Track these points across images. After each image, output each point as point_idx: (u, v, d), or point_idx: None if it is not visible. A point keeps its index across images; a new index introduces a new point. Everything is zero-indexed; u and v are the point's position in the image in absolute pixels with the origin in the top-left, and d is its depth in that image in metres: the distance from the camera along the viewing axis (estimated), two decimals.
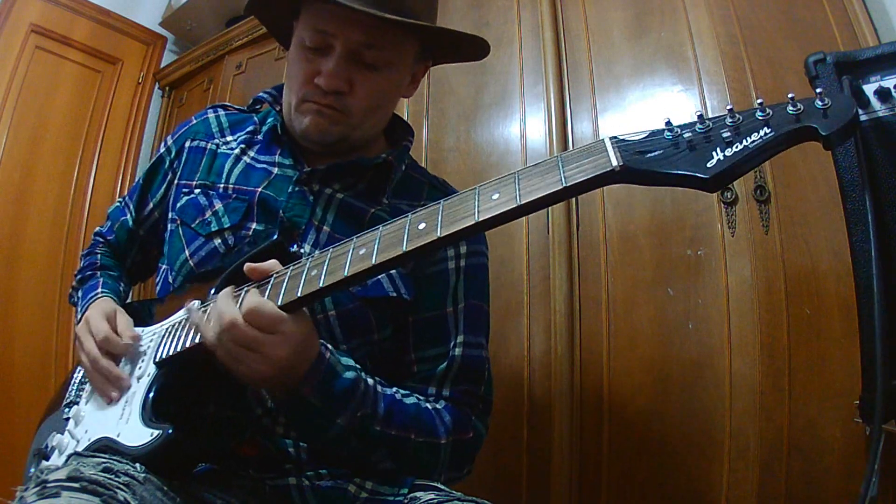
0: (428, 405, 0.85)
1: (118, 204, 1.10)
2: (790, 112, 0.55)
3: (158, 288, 0.97)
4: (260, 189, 0.91)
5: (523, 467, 1.45)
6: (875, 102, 0.98)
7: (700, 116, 0.57)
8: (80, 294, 1.00)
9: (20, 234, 2.30)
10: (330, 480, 0.81)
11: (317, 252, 0.78)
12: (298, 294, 0.68)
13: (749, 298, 1.27)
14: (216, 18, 2.66)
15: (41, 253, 2.32)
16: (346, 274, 0.65)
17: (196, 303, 0.79)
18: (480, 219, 0.60)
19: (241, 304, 0.70)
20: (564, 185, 0.57)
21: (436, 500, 0.78)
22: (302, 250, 0.86)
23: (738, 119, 0.56)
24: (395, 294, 0.88)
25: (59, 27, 2.47)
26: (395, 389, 0.84)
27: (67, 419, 0.88)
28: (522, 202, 0.59)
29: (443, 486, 0.83)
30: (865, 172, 0.89)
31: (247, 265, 0.76)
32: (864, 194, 0.89)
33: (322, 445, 0.78)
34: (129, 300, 1.05)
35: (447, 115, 1.79)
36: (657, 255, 1.39)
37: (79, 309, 0.97)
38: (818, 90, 0.55)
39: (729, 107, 0.57)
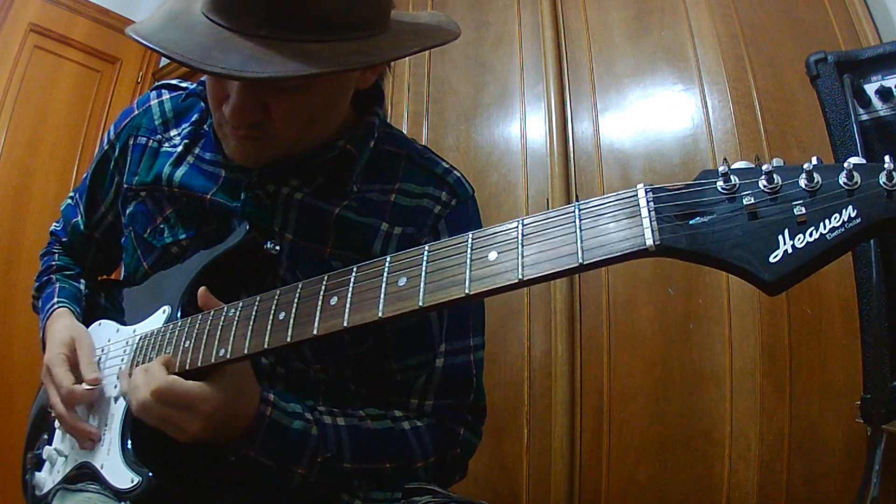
0: (405, 425, 0.79)
1: (69, 202, 1.03)
2: (883, 185, 0.40)
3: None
4: (209, 196, 0.81)
5: (523, 467, 1.45)
6: (876, 102, 0.98)
7: (770, 172, 0.43)
8: (39, 304, 0.95)
9: (19, 234, 2.30)
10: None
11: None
12: (245, 351, 0.62)
13: (750, 298, 1.26)
14: None
15: (40, 253, 2.31)
16: (315, 332, 0.57)
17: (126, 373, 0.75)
18: (472, 292, 0.49)
19: (153, 379, 0.65)
20: (581, 262, 0.45)
21: (433, 503, 0.76)
22: (278, 248, 0.79)
23: (817, 184, 0.42)
24: None
25: (58, 26, 2.47)
26: (363, 414, 0.78)
27: (55, 427, 0.87)
28: (525, 278, 0.47)
29: (438, 489, 0.79)
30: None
31: (201, 291, 0.71)
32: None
33: (290, 494, 0.74)
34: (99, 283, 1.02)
35: (447, 115, 1.79)
36: None
37: (40, 322, 0.92)
38: None
39: (808, 166, 0.43)
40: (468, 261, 0.50)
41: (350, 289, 0.57)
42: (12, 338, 2.21)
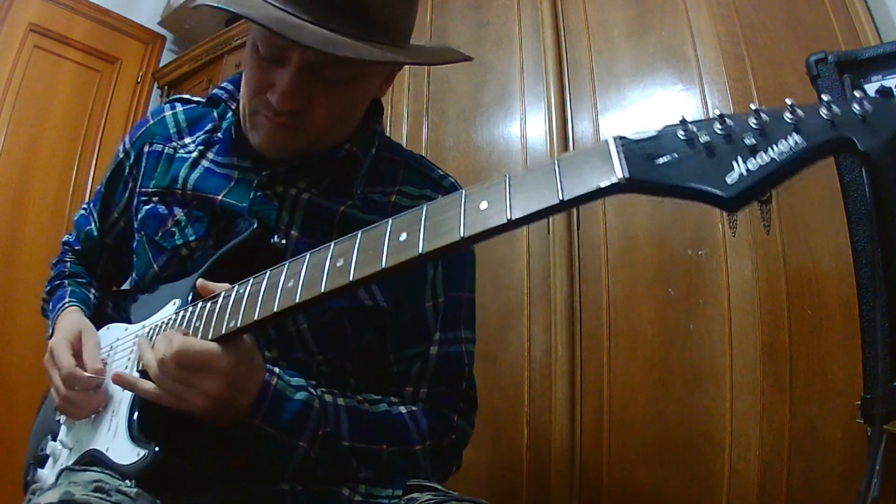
0: (401, 409, 0.83)
1: (83, 212, 1.06)
2: (824, 116, 0.47)
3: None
4: (220, 197, 0.85)
5: (523, 467, 1.45)
6: None
7: (721, 116, 0.49)
8: (49, 306, 0.97)
9: (18, 235, 2.30)
10: (323, 485, 0.80)
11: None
12: (255, 317, 0.65)
13: (750, 298, 1.26)
14: (215, 17, 2.66)
15: (39, 253, 2.31)
16: (322, 290, 0.61)
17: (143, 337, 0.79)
18: (466, 234, 0.54)
19: (171, 342, 0.69)
20: (562, 199, 0.51)
21: (433, 501, 0.76)
22: (283, 241, 0.82)
23: (765, 121, 0.48)
24: (370, 303, 0.83)
25: (57, 26, 2.47)
26: (361, 398, 0.81)
27: (59, 423, 0.88)
28: (513, 217, 0.52)
29: (439, 486, 0.81)
30: (866, 172, 0.89)
31: (199, 281, 0.74)
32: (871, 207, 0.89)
33: (293, 471, 0.76)
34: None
35: (447, 115, 1.79)
36: (658, 255, 1.39)
37: (50, 320, 0.94)
38: (856, 93, 0.47)
39: (755, 106, 0.49)
40: (462, 211, 0.56)
41: (356, 249, 0.61)
42: (12, 338, 2.21)
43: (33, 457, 0.90)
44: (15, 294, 2.24)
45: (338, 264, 0.61)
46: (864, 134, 0.45)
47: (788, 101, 0.48)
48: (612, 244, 1.45)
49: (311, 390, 0.77)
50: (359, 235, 0.62)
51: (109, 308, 0.96)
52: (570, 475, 1.39)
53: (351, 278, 0.59)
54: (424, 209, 0.59)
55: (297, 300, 0.62)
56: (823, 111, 0.47)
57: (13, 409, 2.09)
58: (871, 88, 0.98)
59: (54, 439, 0.87)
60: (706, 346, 1.30)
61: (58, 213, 2.42)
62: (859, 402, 0.96)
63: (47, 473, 0.84)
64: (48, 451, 0.85)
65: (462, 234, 0.54)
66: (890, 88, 0.97)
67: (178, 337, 0.69)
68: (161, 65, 2.85)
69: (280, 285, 0.65)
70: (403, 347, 0.86)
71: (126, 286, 1.02)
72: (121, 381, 0.74)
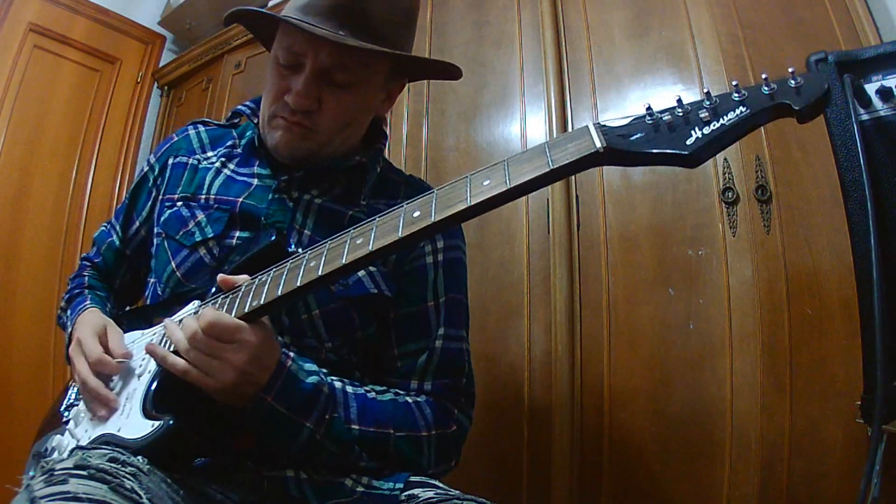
0: (408, 399, 0.88)
1: (104, 228, 1.11)
2: (764, 92, 0.59)
3: (148, 302, 0.98)
4: (241, 199, 0.93)
5: (523, 467, 1.45)
6: (877, 102, 0.97)
7: (679, 100, 0.60)
8: (68, 314, 1.00)
9: (18, 235, 2.30)
10: (327, 473, 0.82)
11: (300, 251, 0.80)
12: (279, 292, 0.71)
13: (750, 298, 1.26)
14: (215, 17, 2.66)
15: (39, 254, 2.31)
16: (343, 262, 0.67)
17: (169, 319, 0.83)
18: (473, 202, 0.62)
19: (202, 315, 0.73)
20: (551, 167, 0.60)
21: (435, 499, 0.78)
22: (299, 250, 0.87)
23: (715, 101, 0.59)
24: (376, 291, 0.90)
25: (57, 26, 2.46)
26: (368, 388, 0.86)
27: (67, 421, 0.88)
28: (512, 185, 0.61)
29: (441, 484, 0.83)
30: (866, 172, 0.89)
31: (219, 276, 0.80)
32: (865, 193, 0.89)
33: (298, 453, 0.79)
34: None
35: (447, 115, 1.79)
36: (658, 255, 1.39)
37: (68, 325, 0.98)
38: (791, 69, 0.60)
39: (706, 90, 0.60)
40: (468, 188, 0.64)
41: (373, 230, 0.68)
42: (11, 339, 2.21)
43: (35, 454, 0.90)
44: (14, 295, 2.24)
45: (357, 241, 0.69)
46: (797, 99, 0.58)
47: (734, 83, 0.60)
48: (612, 244, 1.45)
49: (322, 377, 0.81)
50: (375, 220, 0.69)
51: (124, 325, 0.98)
52: (570, 475, 1.39)
53: (370, 248, 0.66)
54: (434, 193, 0.66)
55: (320, 273, 0.68)
56: (764, 88, 0.60)
57: (13, 411, 2.09)
58: (872, 88, 0.98)
59: (61, 434, 0.87)
60: (706, 345, 1.30)
61: (58, 214, 2.41)
62: (859, 402, 0.96)
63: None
64: (53, 444, 0.85)
65: (469, 203, 0.62)
66: (890, 88, 0.96)
67: (210, 311, 0.74)
68: (161, 65, 2.85)
69: (303, 266, 0.71)
70: (407, 342, 0.92)
71: (144, 294, 1.04)
72: (153, 352, 0.77)
